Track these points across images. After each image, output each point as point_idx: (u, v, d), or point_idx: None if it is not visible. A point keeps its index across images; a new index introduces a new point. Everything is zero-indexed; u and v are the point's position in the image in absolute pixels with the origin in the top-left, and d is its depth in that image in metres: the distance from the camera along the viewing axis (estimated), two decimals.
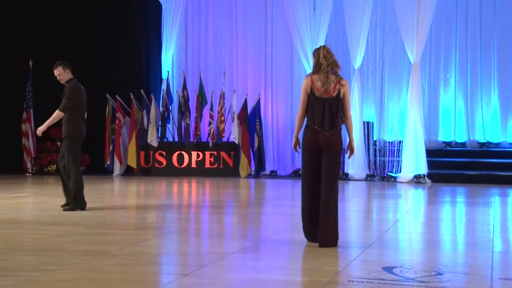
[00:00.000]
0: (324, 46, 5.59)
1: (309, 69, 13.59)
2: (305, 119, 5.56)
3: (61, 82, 7.97)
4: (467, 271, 4.67)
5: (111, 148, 14.11)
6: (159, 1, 14.77)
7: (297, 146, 5.65)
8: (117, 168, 14.07)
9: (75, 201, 7.77)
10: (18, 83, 14.22)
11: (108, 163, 14.16)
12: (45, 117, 15.28)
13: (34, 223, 6.95)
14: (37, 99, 14.59)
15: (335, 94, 5.40)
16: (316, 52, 5.51)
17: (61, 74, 7.85)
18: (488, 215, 7.92)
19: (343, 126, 5.58)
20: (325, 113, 5.39)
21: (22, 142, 14.23)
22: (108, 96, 14.13)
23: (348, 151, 5.65)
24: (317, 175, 5.52)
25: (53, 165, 14.57)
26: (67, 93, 7.81)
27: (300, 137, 5.62)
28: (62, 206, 7.86)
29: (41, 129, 7.75)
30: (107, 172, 14.21)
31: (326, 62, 5.41)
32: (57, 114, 7.79)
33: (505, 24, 13.94)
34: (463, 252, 5.70)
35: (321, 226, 5.39)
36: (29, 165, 14.35)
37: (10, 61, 14.48)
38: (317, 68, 5.47)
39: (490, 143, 13.88)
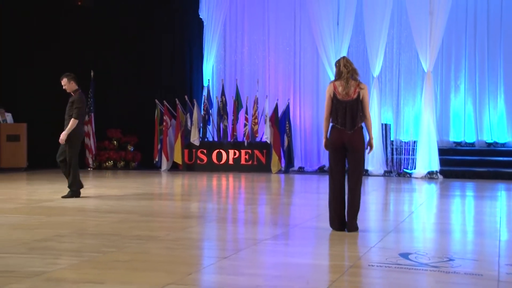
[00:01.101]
0: (344, 57, 5.66)
1: (332, 76, 13.48)
2: (330, 121, 5.57)
3: (67, 90, 8.17)
4: (476, 258, 4.59)
5: (159, 146, 14.25)
6: (201, 19, 14.85)
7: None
8: (165, 164, 14.20)
9: (72, 190, 8.04)
10: (82, 90, 14.37)
11: (157, 159, 14.30)
12: (104, 120, 15.63)
13: (95, 211, 7.06)
14: (97, 104, 14.85)
15: (355, 96, 5.42)
16: (338, 62, 5.59)
17: (66, 84, 8.16)
18: (495, 207, 7.77)
19: (364, 126, 5.57)
20: (346, 113, 5.40)
21: (85, 141, 14.44)
22: (156, 101, 14.28)
23: (368, 147, 5.65)
24: (342, 171, 5.53)
25: (111, 161, 14.79)
26: (76, 104, 8.06)
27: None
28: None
29: (62, 138, 7.92)
30: (155, 167, 14.35)
31: (346, 70, 5.47)
32: (73, 122, 8.02)
33: (510, 36, 13.66)
34: (472, 241, 5.60)
35: (348, 214, 5.43)
36: (90, 161, 14.58)
37: (75, 72, 14.68)
38: (338, 75, 5.53)
39: (496, 143, 13.61)
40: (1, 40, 15.18)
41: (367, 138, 5.62)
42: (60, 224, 5.92)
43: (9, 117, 14.39)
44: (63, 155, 8.07)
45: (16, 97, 15.12)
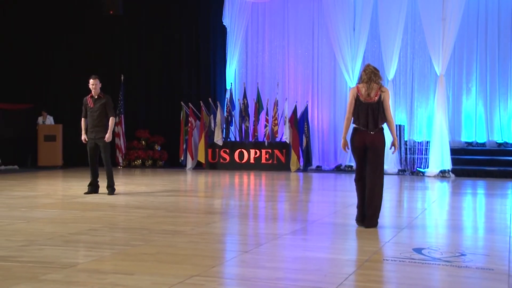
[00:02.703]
0: (367, 64, 5.66)
1: (349, 80, 13.46)
2: (352, 122, 5.55)
3: (93, 90, 8.17)
4: (487, 253, 4.52)
5: (184, 146, 14.32)
6: (225, 25, 14.89)
7: (346, 147, 5.62)
8: (189, 163, 14.27)
9: (113, 187, 8.27)
10: (112, 93, 14.58)
11: (182, 158, 14.38)
12: (133, 121, 15.72)
13: (125, 206, 7.11)
14: (126, 106, 14.99)
15: (377, 99, 5.42)
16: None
17: (96, 84, 8.16)
18: (505, 205, 7.64)
19: (386, 127, 5.54)
20: (368, 115, 5.38)
21: (115, 141, 14.57)
22: (182, 103, 14.36)
23: (392, 148, 5.63)
24: (365, 170, 5.51)
25: (139, 160, 14.91)
26: (110, 104, 8.20)
27: (348, 138, 5.60)
28: (88, 193, 8.31)
29: (108, 137, 8.04)
30: (181, 166, 14.43)
31: (364, 73, 5.53)
32: (113, 120, 8.17)
33: None
34: (483, 236, 5.52)
35: (367, 211, 5.42)
36: (120, 160, 14.72)
37: (106, 76, 14.89)
38: (361, 79, 5.54)
39: (507, 143, 13.39)
40: (43, 48, 15.45)
41: (389, 139, 5.59)
42: (92, 219, 5.99)
43: (50, 119, 14.65)
44: (98, 155, 8.21)
45: (56, 100, 15.38)
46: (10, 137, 14.63)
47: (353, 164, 12.99)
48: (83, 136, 8.28)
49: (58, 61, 15.55)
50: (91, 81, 8.16)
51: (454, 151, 12.64)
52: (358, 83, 5.60)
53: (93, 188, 8.33)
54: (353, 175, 5.70)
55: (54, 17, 15.38)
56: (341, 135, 5.65)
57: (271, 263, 4.13)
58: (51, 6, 15.30)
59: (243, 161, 14.01)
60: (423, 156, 12.93)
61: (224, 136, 14.11)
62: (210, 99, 14.22)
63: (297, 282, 3.57)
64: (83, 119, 8.35)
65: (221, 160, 14.10)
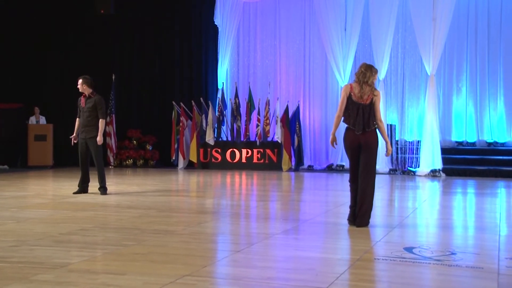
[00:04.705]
0: (362, 64, 5.63)
1: (340, 80, 13.51)
2: (342, 120, 5.57)
3: (84, 92, 8.14)
4: (477, 252, 4.56)
5: (176, 146, 14.30)
6: (216, 25, 14.88)
7: (334, 143, 5.65)
8: (181, 163, 14.24)
9: (105, 187, 8.24)
10: (103, 93, 14.50)
11: (174, 158, 14.35)
12: (124, 120, 15.67)
13: (116, 206, 7.09)
14: (118, 106, 14.93)
15: (368, 102, 5.44)
16: None
17: (81, 85, 8.11)
18: (495, 204, 7.70)
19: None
20: (358, 115, 5.41)
21: (106, 140, 14.51)
22: (174, 103, 14.33)
23: (385, 151, 5.68)
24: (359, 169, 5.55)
25: (131, 159, 14.86)
26: (101, 105, 8.12)
27: (337, 135, 5.62)
28: (77, 192, 8.28)
29: (99, 140, 7.98)
30: (172, 165, 14.40)
31: (356, 75, 5.51)
32: (103, 122, 8.10)
33: (510, 41, 13.54)
34: (473, 235, 5.56)
35: (358, 210, 5.44)
36: (111, 159, 14.66)
37: (98, 75, 14.80)
38: (355, 79, 5.56)
39: (496, 142, 13.49)
40: (35, 47, 15.36)
41: (382, 141, 5.62)
42: (83, 219, 5.96)
43: (42, 119, 14.57)
44: (89, 155, 8.17)
45: (47, 99, 15.29)
46: (0, 136, 14.52)
47: (345, 163, 13.03)
48: (72, 136, 8.25)
49: (49, 61, 15.46)
50: (78, 82, 8.15)
51: (444, 151, 12.72)
52: (353, 81, 5.61)
53: (83, 187, 8.29)
54: (345, 175, 5.74)
55: (46, 17, 15.29)
56: None
57: (263, 262, 4.13)
58: (43, 5, 15.20)
59: (234, 161, 14.00)
60: (414, 156, 13.01)
61: (215, 135, 14.09)
62: (201, 98, 14.20)
63: (289, 281, 3.57)
64: (77, 119, 8.32)
65: (213, 160, 14.08)
